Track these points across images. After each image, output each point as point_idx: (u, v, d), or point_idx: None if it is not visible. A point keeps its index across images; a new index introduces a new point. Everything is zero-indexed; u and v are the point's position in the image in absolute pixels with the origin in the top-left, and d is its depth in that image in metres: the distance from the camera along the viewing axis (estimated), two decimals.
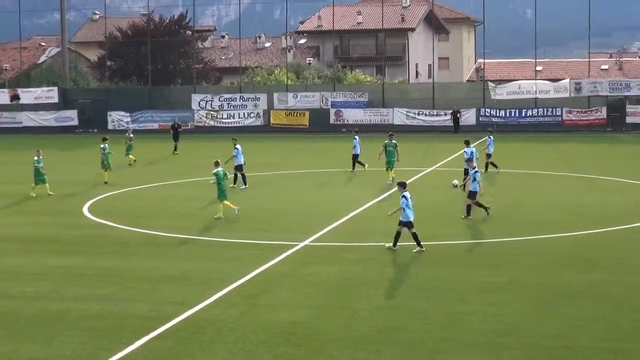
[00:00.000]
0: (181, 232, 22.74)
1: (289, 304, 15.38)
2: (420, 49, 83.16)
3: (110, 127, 64.04)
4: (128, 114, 65.58)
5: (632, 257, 19.15)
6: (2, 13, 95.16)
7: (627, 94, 59.62)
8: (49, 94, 67.11)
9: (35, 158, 30.48)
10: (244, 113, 64.50)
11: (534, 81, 63.43)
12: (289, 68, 71.03)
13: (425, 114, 62.01)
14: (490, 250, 20.08)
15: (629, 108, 59.26)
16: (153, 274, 17.90)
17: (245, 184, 31.42)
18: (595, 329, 13.68)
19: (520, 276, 17.26)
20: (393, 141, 32.75)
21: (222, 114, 64.69)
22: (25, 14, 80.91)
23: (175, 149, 46.76)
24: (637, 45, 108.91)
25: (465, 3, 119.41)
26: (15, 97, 66.89)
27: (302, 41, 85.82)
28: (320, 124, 61.76)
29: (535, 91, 60.95)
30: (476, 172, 24.06)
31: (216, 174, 24.78)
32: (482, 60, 74.16)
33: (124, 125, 61.22)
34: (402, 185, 20.11)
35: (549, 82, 62.93)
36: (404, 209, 19.45)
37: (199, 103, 65.26)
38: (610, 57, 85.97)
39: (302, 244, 20.70)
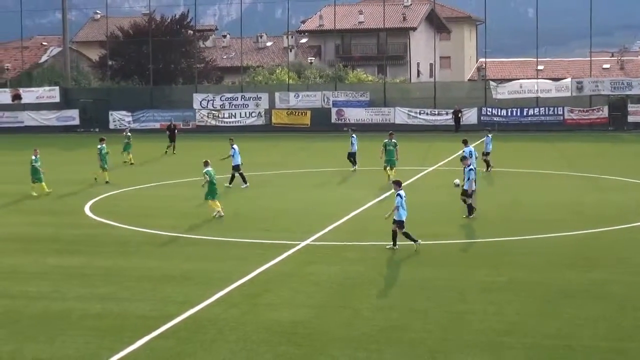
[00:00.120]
0: (182, 232, 22.75)
1: (290, 304, 15.39)
2: (422, 48, 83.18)
3: (111, 126, 64.10)
4: (129, 114, 65.63)
5: (633, 256, 19.14)
6: (4, 13, 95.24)
7: (628, 93, 59.60)
8: (51, 93, 67.19)
9: (33, 157, 30.54)
10: (245, 112, 64.52)
11: (535, 80, 63.46)
12: (291, 67, 71.07)
13: (427, 113, 62.01)
14: (491, 250, 20.08)
15: (631, 107, 59.24)
16: (154, 274, 17.91)
17: (245, 182, 31.45)
18: (597, 329, 13.68)
19: (521, 275, 17.26)
20: (393, 140, 32.79)
21: (224, 114, 64.72)
22: (27, 14, 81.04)
23: (174, 148, 46.58)
24: (638, 45, 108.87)
25: (466, 2, 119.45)
26: (17, 97, 66.96)
27: (304, 40, 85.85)
28: (322, 124, 61.78)
29: (537, 90, 60.95)
30: (470, 170, 24.03)
31: (208, 173, 24.79)
32: (483, 60, 74.22)
33: (125, 125, 61.24)
34: (398, 184, 20.13)
35: (550, 81, 62.92)
36: (397, 208, 19.45)
37: (201, 102, 65.28)
38: (612, 56, 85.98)
39: (303, 244, 20.71)
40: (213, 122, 64.40)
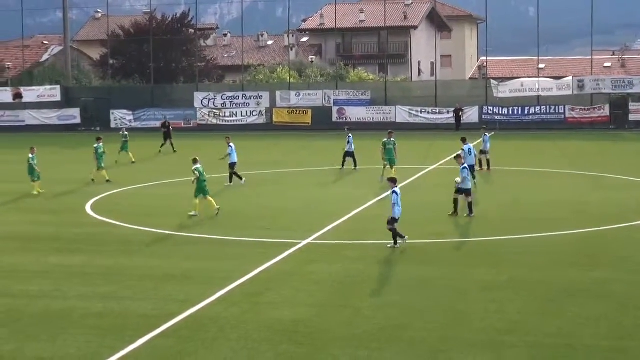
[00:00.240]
0: (183, 231, 22.77)
1: (291, 302, 15.39)
2: (423, 47, 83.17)
3: (112, 125, 64.09)
4: (130, 112, 65.64)
5: (634, 255, 19.13)
6: (5, 12, 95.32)
7: (630, 91, 59.55)
8: (52, 92, 67.20)
9: (30, 156, 30.55)
10: (246, 111, 64.51)
11: (536, 79, 63.41)
12: (292, 66, 71.07)
13: (428, 112, 61.99)
14: (492, 248, 20.07)
15: (632, 106, 59.19)
16: (155, 273, 17.92)
17: (241, 179, 31.52)
18: (598, 327, 13.67)
19: (522, 274, 17.25)
20: (392, 139, 32.83)
21: (225, 112, 64.71)
22: (28, 13, 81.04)
23: (173, 146, 46.44)
24: (639, 43, 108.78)
25: (467, 1, 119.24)
26: (18, 96, 66.98)
27: (305, 39, 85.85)
28: (323, 122, 61.78)
29: (538, 89, 60.92)
30: (463, 168, 24.01)
31: (197, 170, 24.84)
32: (484, 58, 74.16)
33: (126, 124, 61.29)
34: (393, 181, 20.17)
35: (551, 79, 62.89)
36: (394, 205, 19.47)
37: (202, 101, 65.29)
38: (613, 54, 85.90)
39: (304, 242, 20.71)
40: (214, 121, 64.40)
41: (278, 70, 71.83)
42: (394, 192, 19.68)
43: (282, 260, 18.84)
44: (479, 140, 34.59)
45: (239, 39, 77.88)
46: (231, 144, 32.06)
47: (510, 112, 60.56)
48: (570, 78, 61.63)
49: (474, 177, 29.84)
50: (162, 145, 46.64)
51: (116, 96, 67.59)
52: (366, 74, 72.75)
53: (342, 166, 36.08)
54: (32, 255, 19.96)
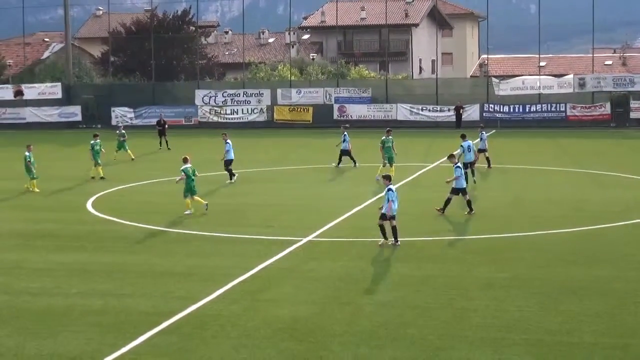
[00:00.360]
0: (183, 228, 22.78)
1: (292, 300, 15.40)
2: (424, 45, 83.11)
3: (113, 122, 63.92)
4: (131, 110, 65.59)
5: (635, 252, 19.13)
6: (6, 9, 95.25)
7: (631, 89, 59.48)
8: (53, 89, 67.16)
9: (27, 153, 30.55)
10: (247, 109, 64.47)
11: (537, 77, 63.33)
12: (293, 64, 71.04)
13: (429, 110, 61.94)
14: (493, 246, 20.07)
15: (633, 104, 59.13)
16: (156, 270, 17.94)
17: (231, 178, 31.50)
18: (599, 325, 13.68)
19: (523, 272, 17.26)
20: (390, 137, 32.84)
21: (226, 110, 64.69)
22: (29, 10, 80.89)
23: (167, 144, 46.20)
24: None
25: None
26: (18, 93, 66.95)
27: (306, 37, 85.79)
28: (324, 120, 61.71)
29: (539, 87, 60.87)
30: (457, 167, 24.00)
31: (185, 171, 24.88)
32: (485, 56, 74.18)
33: (127, 121, 61.25)
34: (388, 179, 20.15)
35: (552, 77, 62.79)
36: (392, 202, 19.45)
37: (203, 99, 65.25)
38: (614, 52, 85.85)
39: (304, 240, 20.71)
40: (215, 119, 64.35)
41: (279, 67, 71.80)
42: (389, 189, 19.67)
43: (282, 258, 18.85)
44: (476, 140, 34.55)
45: (240, 36, 77.82)
46: (228, 141, 32.00)
47: (511, 110, 60.52)
48: (571, 76, 61.55)
49: (473, 174, 29.90)
50: (161, 142, 46.57)
51: (117, 94, 67.53)
52: (367, 72, 72.70)
53: (338, 164, 36.02)
54: (33, 252, 19.98)
